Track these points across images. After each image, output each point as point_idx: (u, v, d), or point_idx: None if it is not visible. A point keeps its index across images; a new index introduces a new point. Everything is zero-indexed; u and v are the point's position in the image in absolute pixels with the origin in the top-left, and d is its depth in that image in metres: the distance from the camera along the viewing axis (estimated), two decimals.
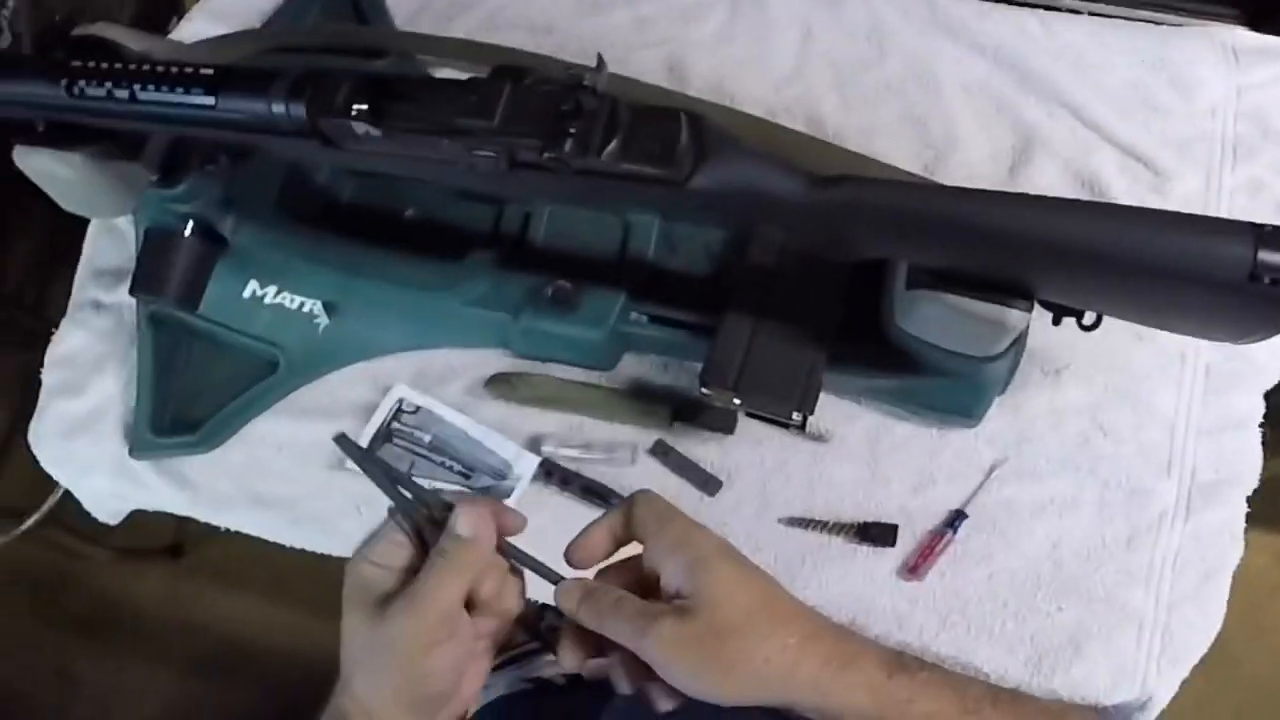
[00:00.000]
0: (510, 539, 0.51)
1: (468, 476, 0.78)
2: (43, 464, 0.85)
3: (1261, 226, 0.50)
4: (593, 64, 0.56)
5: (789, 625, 0.45)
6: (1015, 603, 0.75)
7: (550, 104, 0.54)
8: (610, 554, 0.48)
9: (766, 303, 0.71)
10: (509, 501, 0.77)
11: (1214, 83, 0.84)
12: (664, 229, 0.79)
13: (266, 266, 0.79)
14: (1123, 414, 0.76)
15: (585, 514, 0.78)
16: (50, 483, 0.87)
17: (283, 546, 0.82)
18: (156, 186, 0.74)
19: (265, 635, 1.54)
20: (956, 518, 0.75)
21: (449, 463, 0.79)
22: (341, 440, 0.53)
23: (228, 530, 0.83)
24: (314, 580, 1.50)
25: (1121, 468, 0.75)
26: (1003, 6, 0.89)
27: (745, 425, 0.77)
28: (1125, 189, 0.81)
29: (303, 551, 0.81)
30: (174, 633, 1.56)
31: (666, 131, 0.55)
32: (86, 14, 1.00)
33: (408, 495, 0.49)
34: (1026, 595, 0.75)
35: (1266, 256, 0.49)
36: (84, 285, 0.86)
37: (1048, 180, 0.82)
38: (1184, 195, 0.81)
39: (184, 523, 0.85)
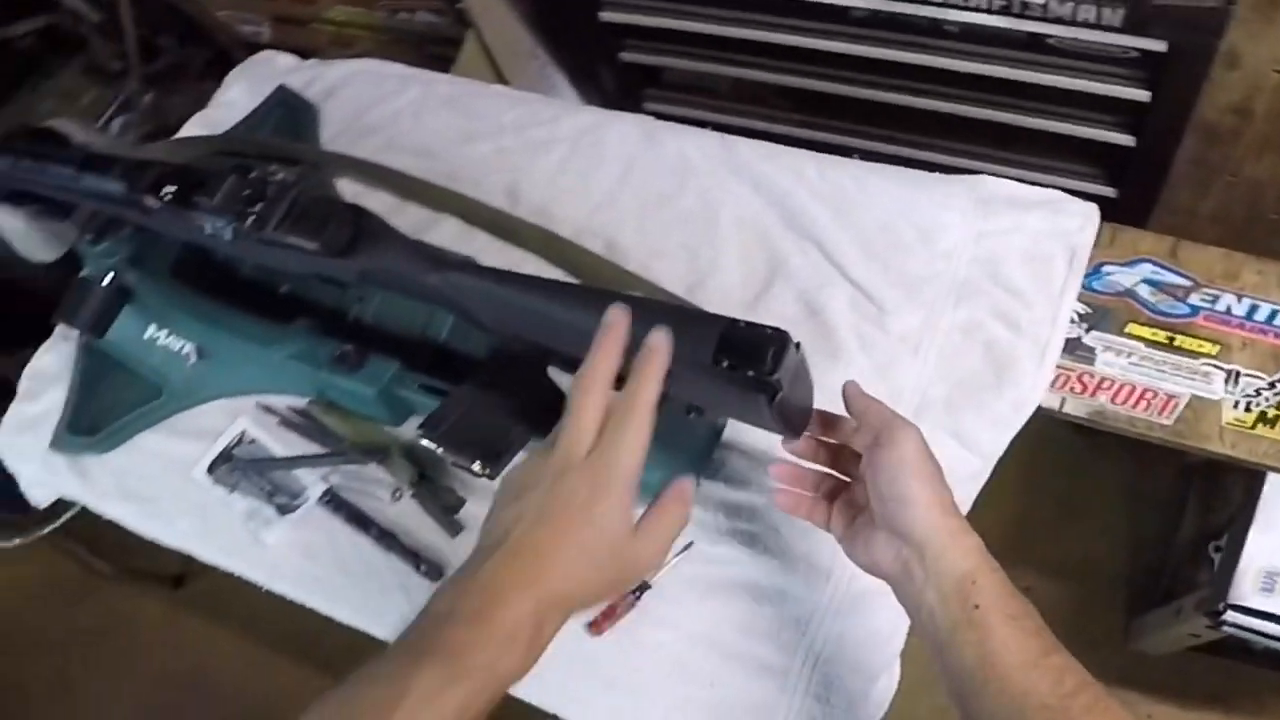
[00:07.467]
0: None
1: (271, 495, 0.95)
2: None
3: (735, 321, 0.61)
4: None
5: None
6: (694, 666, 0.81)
7: (251, 189, 0.74)
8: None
9: (492, 380, 0.84)
10: (294, 517, 0.94)
11: (956, 227, 0.90)
12: (459, 321, 0.94)
13: (160, 314, 1.02)
14: None
15: (350, 536, 0.92)
16: None
17: (266, 591, 0.96)
18: (89, 244, 0.99)
19: (229, 665, 1.73)
20: (640, 588, 0.84)
21: (261, 483, 0.96)
22: None
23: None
24: (283, 620, 1.69)
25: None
26: (789, 150, 0.99)
27: None
28: (847, 321, 0.87)
29: (281, 599, 0.95)
30: (162, 652, 1.79)
31: (330, 216, 0.74)
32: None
33: None
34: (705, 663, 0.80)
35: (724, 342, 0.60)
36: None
37: (782, 306, 0.90)
38: (901, 331, 0.87)
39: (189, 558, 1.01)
